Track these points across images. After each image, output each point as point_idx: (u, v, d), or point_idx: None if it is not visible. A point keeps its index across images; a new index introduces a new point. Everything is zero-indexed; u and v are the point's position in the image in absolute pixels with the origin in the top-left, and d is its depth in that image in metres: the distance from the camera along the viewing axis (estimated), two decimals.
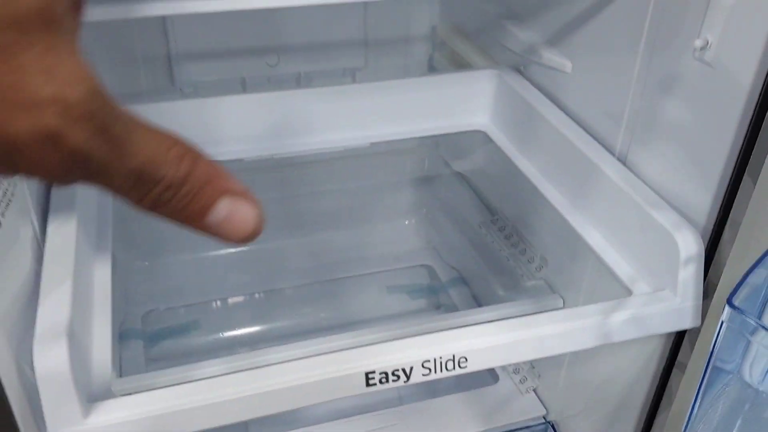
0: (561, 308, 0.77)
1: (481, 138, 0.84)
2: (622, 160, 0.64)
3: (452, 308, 1.00)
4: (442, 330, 0.50)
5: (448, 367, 0.48)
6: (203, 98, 0.74)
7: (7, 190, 0.46)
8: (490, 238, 0.89)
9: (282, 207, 1.04)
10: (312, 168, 1.01)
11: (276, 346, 0.64)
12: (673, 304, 0.54)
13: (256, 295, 1.02)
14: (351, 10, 0.94)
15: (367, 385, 0.47)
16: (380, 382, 0.47)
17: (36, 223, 0.53)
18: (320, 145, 0.77)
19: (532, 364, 0.86)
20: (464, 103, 0.82)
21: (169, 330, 0.94)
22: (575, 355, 0.76)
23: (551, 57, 0.73)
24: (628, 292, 0.58)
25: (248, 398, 0.46)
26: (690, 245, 0.54)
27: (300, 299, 1.03)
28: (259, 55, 0.93)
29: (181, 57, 0.90)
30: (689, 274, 0.53)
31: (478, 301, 0.99)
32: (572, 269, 0.73)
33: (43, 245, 0.52)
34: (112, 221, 0.65)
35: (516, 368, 0.89)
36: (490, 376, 0.89)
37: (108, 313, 0.54)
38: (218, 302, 1.00)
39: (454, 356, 0.48)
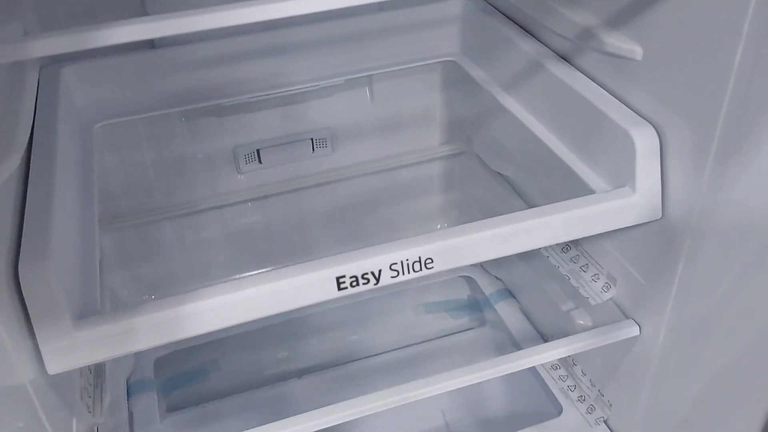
0: (637, 335, 0.66)
1: (525, 135, 0.72)
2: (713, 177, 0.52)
3: (500, 325, 0.89)
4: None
5: (415, 269, 0.51)
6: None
7: None
8: (543, 249, 0.78)
9: (300, 226, 0.93)
10: (331, 183, 0.90)
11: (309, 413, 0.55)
12: (632, 200, 0.57)
13: (279, 323, 0.91)
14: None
15: (339, 288, 0.50)
16: (351, 285, 0.50)
17: None
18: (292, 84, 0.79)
19: (601, 392, 0.75)
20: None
21: (186, 375, 0.84)
22: (658, 377, 0.65)
23: (615, 42, 0.60)
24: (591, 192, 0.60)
25: None
26: (645, 140, 0.56)
27: (327, 324, 0.92)
28: None
29: None
30: (646, 169, 0.56)
31: (529, 318, 0.87)
32: None
33: None
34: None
35: (581, 396, 0.78)
36: (552, 405, 0.79)
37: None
38: (237, 336, 0.89)
39: (420, 258, 0.51)
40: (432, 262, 0.53)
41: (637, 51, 0.59)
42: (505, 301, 0.90)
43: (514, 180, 0.85)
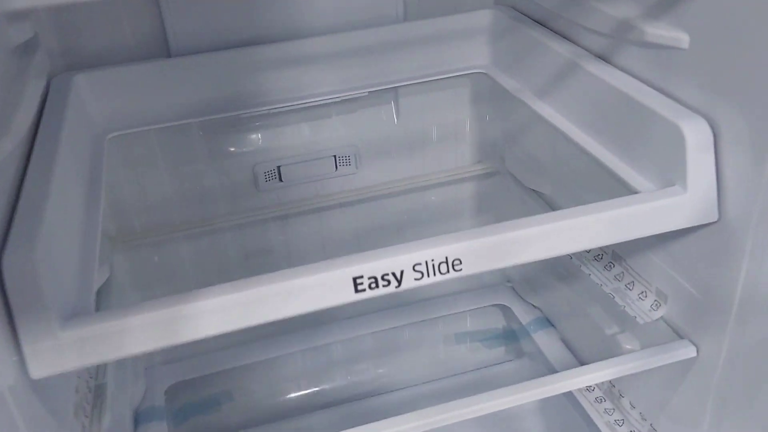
0: (694, 357, 0.59)
1: (562, 142, 0.67)
2: None
3: (538, 356, 0.82)
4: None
5: (442, 270, 0.46)
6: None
7: None
8: (584, 268, 0.71)
9: (321, 247, 0.88)
10: (355, 204, 0.85)
11: None
12: (683, 199, 0.51)
13: (299, 352, 0.85)
14: None
15: (356, 290, 0.45)
16: (369, 287, 0.45)
17: None
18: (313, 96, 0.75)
19: (654, 426, 0.68)
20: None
21: (197, 405, 0.78)
22: (719, 409, 0.58)
23: (657, 32, 0.55)
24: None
25: None
26: (697, 133, 0.50)
27: (350, 355, 0.86)
28: None
29: None
30: (699, 165, 0.51)
31: (570, 347, 0.80)
32: None
33: None
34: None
35: (631, 431, 0.70)
36: None
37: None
38: (253, 365, 0.83)
39: (447, 258, 0.46)
40: (460, 263, 0.47)
41: (682, 39, 0.53)
42: (544, 330, 0.83)
43: (552, 197, 0.79)
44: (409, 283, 0.47)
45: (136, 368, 0.79)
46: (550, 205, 0.80)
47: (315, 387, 0.84)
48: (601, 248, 0.70)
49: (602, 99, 0.61)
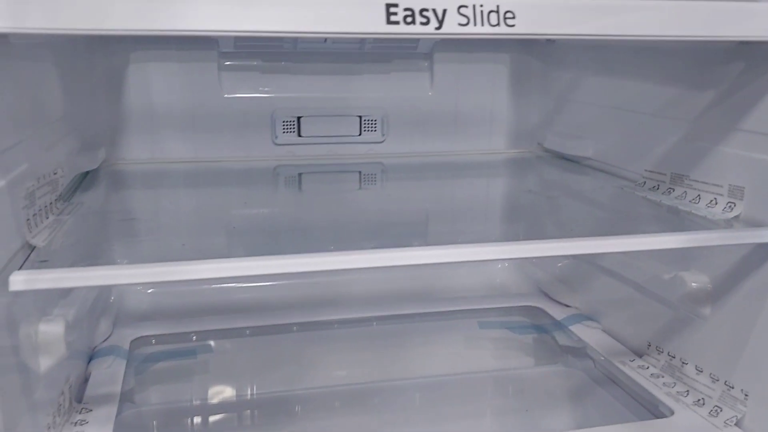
0: None
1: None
2: None
3: (581, 353, 0.69)
4: None
5: (491, 21, 0.40)
6: None
7: None
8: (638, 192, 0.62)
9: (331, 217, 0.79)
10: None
11: None
12: None
13: (295, 335, 0.73)
14: None
15: (388, 21, 0.39)
16: (405, 20, 0.39)
17: None
18: None
19: (728, 383, 0.54)
20: None
21: (168, 352, 0.65)
22: None
23: None
24: None
25: None
26: None
27: (354, 339, 0.74)
28: None
29: None
30: None
31: (618, 339, 0.68)
32: None
33: None
34: None
35: (699, 399, 0.56)
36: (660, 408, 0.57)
37: None
38: (237, 333, 0.70)
39: (498, 7, 0.40)
40: (513, 17, 0.40)
41: None
42: (583, 322, 0.71)
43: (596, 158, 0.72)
44: (451, 27, 0.40)
45: (107, 311, 0.68)
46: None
47: (312, 369, 0.70)
48: (658, 173, 0.61)
49: None
